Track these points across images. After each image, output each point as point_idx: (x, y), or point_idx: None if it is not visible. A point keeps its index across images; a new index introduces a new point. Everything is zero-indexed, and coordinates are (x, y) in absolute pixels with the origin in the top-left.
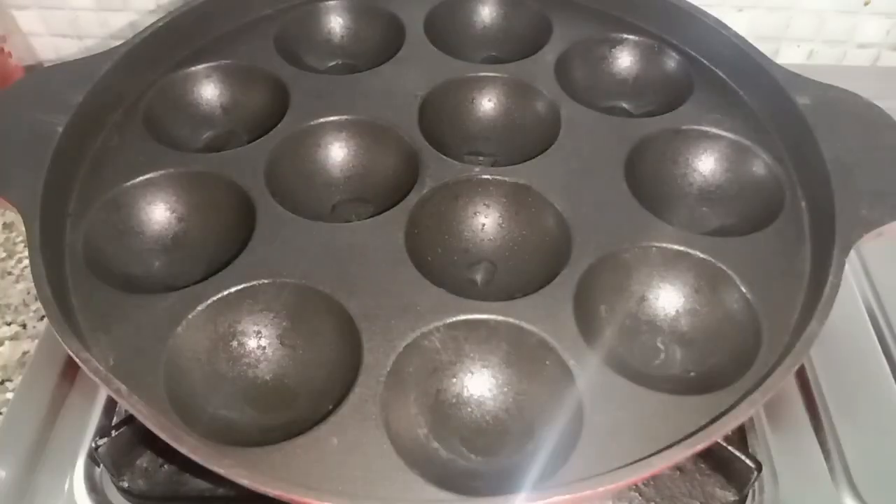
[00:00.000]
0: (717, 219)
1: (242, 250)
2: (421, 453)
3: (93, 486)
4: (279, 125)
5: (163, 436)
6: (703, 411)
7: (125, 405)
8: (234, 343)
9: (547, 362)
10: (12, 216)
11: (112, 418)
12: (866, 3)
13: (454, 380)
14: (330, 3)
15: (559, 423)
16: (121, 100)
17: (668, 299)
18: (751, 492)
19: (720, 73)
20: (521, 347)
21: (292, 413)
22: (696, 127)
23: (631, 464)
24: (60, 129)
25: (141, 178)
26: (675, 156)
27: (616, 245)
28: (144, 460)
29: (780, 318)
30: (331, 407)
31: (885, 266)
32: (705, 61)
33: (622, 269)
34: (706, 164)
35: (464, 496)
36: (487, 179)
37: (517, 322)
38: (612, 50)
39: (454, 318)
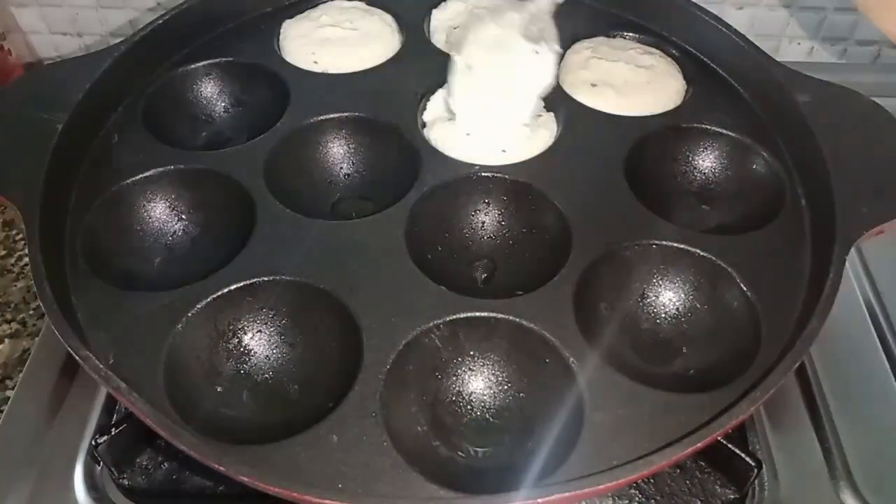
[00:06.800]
0: (718, 217)
1: (242, 248)
2: (421, 451)
3: (93, 484)
4: (279, 123)
5: (163, 433)
6: (703, 409)
7: (125, 403)
8: (234, 341)
9: (547, 360)
10: (12, 214)
11: (112, 416)
12: None
13: (454, 377)
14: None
15: (559, 421)
16: (120, 98)
17: (669, 297)
18: (751, 489)
19: (720, 71)
20: (522, 345)
21: (292, 410)
22: (696, 125)
23: (631, 462)
24: (60, 127)
25: (141, 175)
26: (676, 154)
27: (616, 243)
28: (144, 458)
29: (781, 316)
30: (331, 404)
31: (886, 264)
32: (706, 59)
33: (622, 267)
34: (706, 162)
35: (464, 494)
36: (488, 177)
37: (517, 320)
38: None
39: (454, 316)
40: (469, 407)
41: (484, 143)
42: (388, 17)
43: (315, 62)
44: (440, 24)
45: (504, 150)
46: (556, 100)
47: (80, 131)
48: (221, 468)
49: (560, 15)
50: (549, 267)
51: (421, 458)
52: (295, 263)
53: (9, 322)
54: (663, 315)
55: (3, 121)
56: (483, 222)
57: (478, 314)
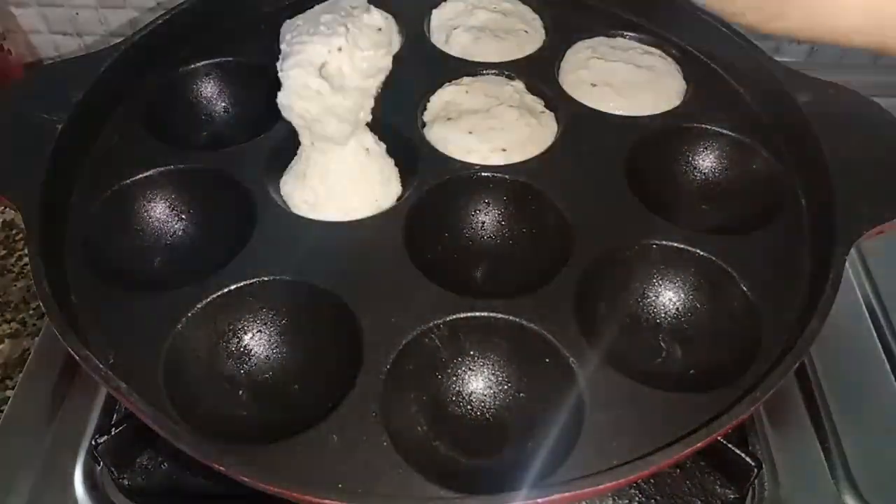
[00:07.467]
0: (718, 217)
1: (243, 248)
2: (421, 451)
3: (93, 484)
4: (279, 122)
5: (162, 433)
6: (703, 409)
7: (125, 403)
8: (235, 340)
9: (547, 360)
10: (12, 214)
11: (112, 416)
12: None
13: (454, 377)
14: None
15: (560, 421)
16: (121, 97)
17: (669, 297)
18: (751, 489)
19: (720, 71)
20: (522, 345)
21: (292, 410)
22: (696, 125)
23: (631, 461)
24: (60, 127)
25: (141, 175)
26: (676, 154)
27: (616, 243)
28: (144, 458)
29: (781, 316)
30: (331, 404)
31: (886, 264)
32: (706, 59)
33: (623, 268)
34: (706, 162)
35: (464, 494)
36: (488, 177)
37: (517, 320)
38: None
39: (454, 316)
40: (469, 407)
41: (484, 142)
42: (389, 17)
43: None
44: (440, 24)
45: (504, 150)
46: (556, 100)
47: (80, 131)
48: (221, 468)
49: (560, 15)
50: (549, 267)
51: (421, 458)
52: (295, 263)
53: (9, 322)
54: (663, 315)
55: (3, 121)
56: (483, 222)
57: (478, 314)
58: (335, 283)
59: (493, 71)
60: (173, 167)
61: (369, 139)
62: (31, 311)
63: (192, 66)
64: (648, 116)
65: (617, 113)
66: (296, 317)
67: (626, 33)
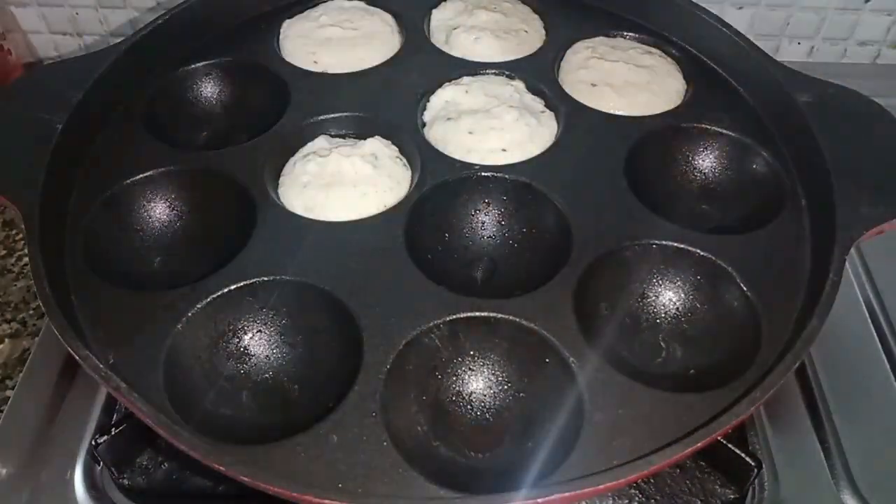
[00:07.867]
0: (718, 216)
1: (243, 248)
2: (421, 451)
3: (93, 484)
4: (279, 123)
5: (162, 433)
6: (703, 409)
7: (125, 403)
8: (235, 340)
9: (547, 360)
10: (12, 214)
11: (112, 416)
12: (867, 0)
13: (454, 377)
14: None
15: (559, 421)
16: (120, 98)
17: (669, 297)
18: (751, 489)
19: (720, 71)
20: (522, 345)
21: (292, 410)
22: (696, 125)
23: (631, 461)
24: (60, 127)
25: (141, 175)
26: (676, 154)
27: (616, 243)
28: (144, 458)
29: (781, 316)
30: (331, 404)
31: (886, 264)
32: (705, 58)
33: (622, 267)
34: (706, 162)
35: (464, 494)
36: (488, 177)
37: (517, 319)
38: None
39: (454, 316)
40: (469, 407)
41: (484, 142)
42: (388, 17)
43: (315, 62)
44: (440, 24)
45: (504, 150)
46: (556, 100)
47: (79, 131)
48: (221, 468)
49: (560, 15)
50: (549, 267)
51: (421, 458)
52: (295, 263)
53: (9, 322)
54: (663, 315)
55: (3, 121)
56: (483, 222)
57: (478, 314)
58: (335, 283)
59: (493, 71)
60: (173, 167)
61: (377, 144)
62: (31, 311)
63: (192, 66)
64: (648, 116)
65: (617, 113)
66: (296, 317)
67: (626, 33)
